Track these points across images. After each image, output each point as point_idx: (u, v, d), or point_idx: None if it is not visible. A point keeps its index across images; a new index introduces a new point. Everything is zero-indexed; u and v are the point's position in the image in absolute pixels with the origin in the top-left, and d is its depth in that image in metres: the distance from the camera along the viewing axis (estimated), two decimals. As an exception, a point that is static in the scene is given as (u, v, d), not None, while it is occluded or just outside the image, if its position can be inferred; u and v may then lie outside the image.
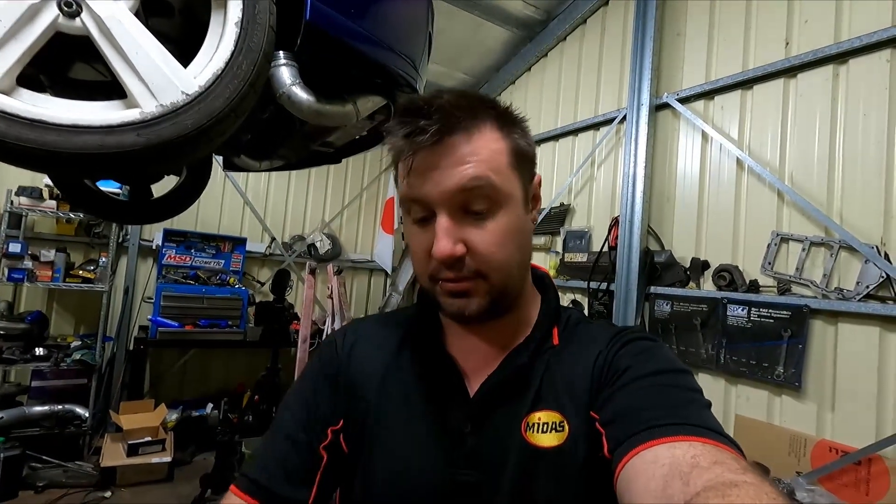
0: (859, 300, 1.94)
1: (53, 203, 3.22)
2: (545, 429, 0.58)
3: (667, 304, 2.59)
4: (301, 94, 1.14)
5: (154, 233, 3.87)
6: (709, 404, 0.53)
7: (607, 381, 0.58)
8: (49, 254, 3.22)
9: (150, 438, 3.12)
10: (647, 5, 2.84)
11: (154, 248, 3.82)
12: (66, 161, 0.74)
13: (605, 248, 2.90)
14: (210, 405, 3.75)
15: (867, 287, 1.93)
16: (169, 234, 3.79)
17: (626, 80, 2.97)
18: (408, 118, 0.55)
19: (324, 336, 3.53)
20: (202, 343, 3.66)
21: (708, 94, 2.62)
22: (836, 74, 2.15)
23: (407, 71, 1.28)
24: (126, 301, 3.71)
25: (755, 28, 2.46)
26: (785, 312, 2.12)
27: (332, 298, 3.33)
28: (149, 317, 3.50)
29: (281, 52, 1.11)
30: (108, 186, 2.67)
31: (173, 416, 3.48)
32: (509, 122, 0.60)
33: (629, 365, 0.57)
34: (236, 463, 3.05)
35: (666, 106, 2.77)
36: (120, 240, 3.68)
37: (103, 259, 3.44)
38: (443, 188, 0.55)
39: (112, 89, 0.90)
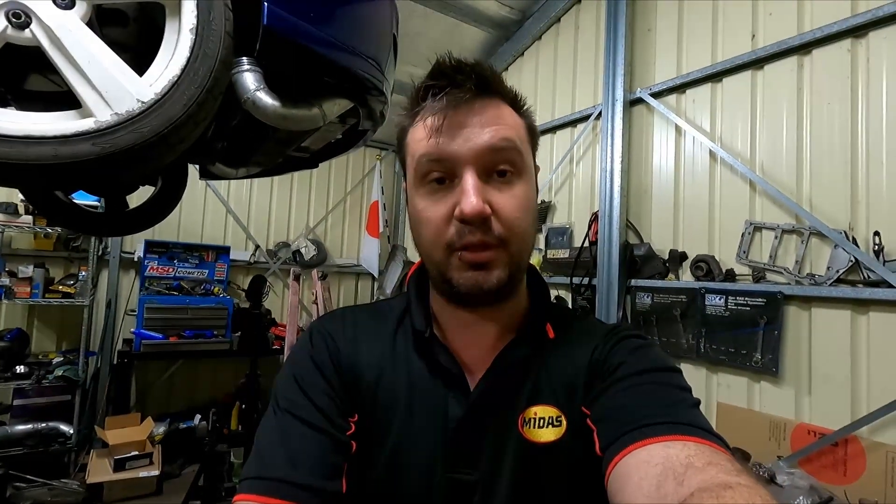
0: (830, 285, 1.98)
1: (30, 218, 3.18)
2: (542, 423, 0.58)
3: (647, 297, 2.62)
4: (266, 98, 1.15)
5: (135, 244, 3.83)
6: (697, 403, 0.53)
7: (600, 375, 0.58)
8: (27, 270, 3.18)
9: (137, 453, 3.08)
10: (617, 2, 2.87)
11: (136, 259, 3.78)
12: (20, 172, 0.74)
13: (586, 244, 2.93)
14: (198, 416, 3.72)
15: (837, 272, 1.97)
16: (151, 245, 3.75)
17: (601, 76, 3.00)
18: (441, 78, 0.56)
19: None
20: (188, 354, 3.62)
21: (679, 88, 2.66)
22: (800, 65, 2.19)
23: (372, 73, 1.29)
24: (109, 315, 3.66)
25: (722, 22, 2.51)
26: (760, 300, 2.15)
27: (317, 304, 3.32)
28: (132, 330, 3.46)
29: (245, 58, 1.11)
30: (85, 199, 2.65)
31: (161, 429, 3.44)
32: (521, 105, 0.63)
33: (622, 361, 0.57)
34: (225, 474, 3.03)
35: (640, 101, 2.81)
36: (100, 253, 3.64)
37: (83, 273, 3.40)
38: (472, 145, 0.55)
39: (70, 100, 0.90)
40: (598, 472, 0.51)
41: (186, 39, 0.86)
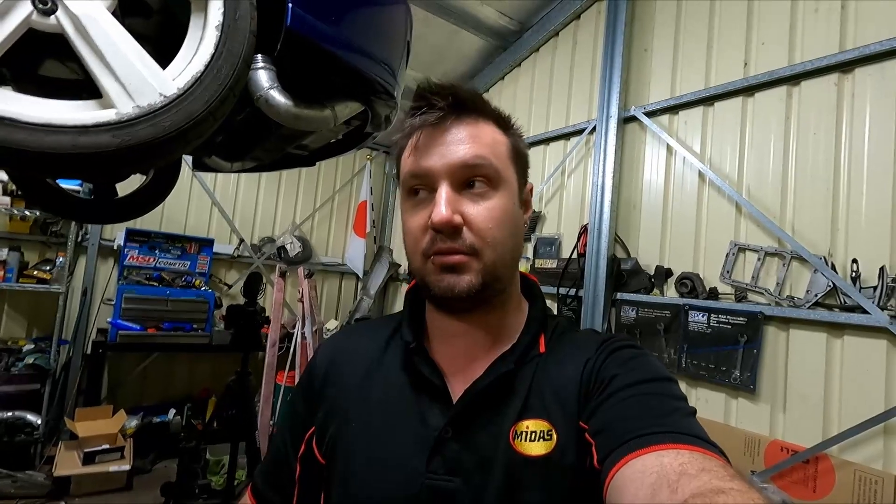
0: (808, 308, 2.06)
1: (7, 199, 3.07)
2: (533, 437, 0.58)
3: (632, 310, 2.68)
4: (279, 97, 1.14)
5: (116, 232, 3.73)
6: (693, 411, 0.54)
7: (595, 389, 0.58)
8: (1, 252, 3.07)
9: (107, 446, 3.00)
10: (616, 21, 2.94)
11: (115, 248, 3.68)
12: (36, 161, 0.73)
13: (575, 255, 2.98)
14: (172, 411, 3.64)
15: (816, 295, 2.05)
16: (132, 234, 3.66)
17: (596, 92, 3.06)
18: (421, 100, 0.61)
19: (293, 341, 3.48)
20: (165, 347, 3.54)
21: (673, 109, 2.73)
22: (789, 95, 2.28)
23: (385, 77, 1.29)
24: (84, 303, 3.56)
25: (717, 48, 2.59)
26: (741, 319, 2.23)
27: (302, 302, 3.29)
28: (108, 319, 3.37)
29: (259, 56, 1.11)
30: (68, 184, 2.58)
31: (133, 423, 3.35)
32: (508, 125, 0.67)
33: (616, 373, 0.57)
34: (200, 471, 2.97)
35: (633, 119, 2.88)
36: (79, 239, 3.53)
37: (60, 259, 3.30)
38: (446, 161, 0.60)
39: (82, 88, 0.88)
40: (592, 486, 0.52)
41: (212, 36, 0.85)
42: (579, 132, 3.21)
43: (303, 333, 3.29)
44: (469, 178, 0.60)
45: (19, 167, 0.73)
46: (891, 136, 1.96)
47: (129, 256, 3.64)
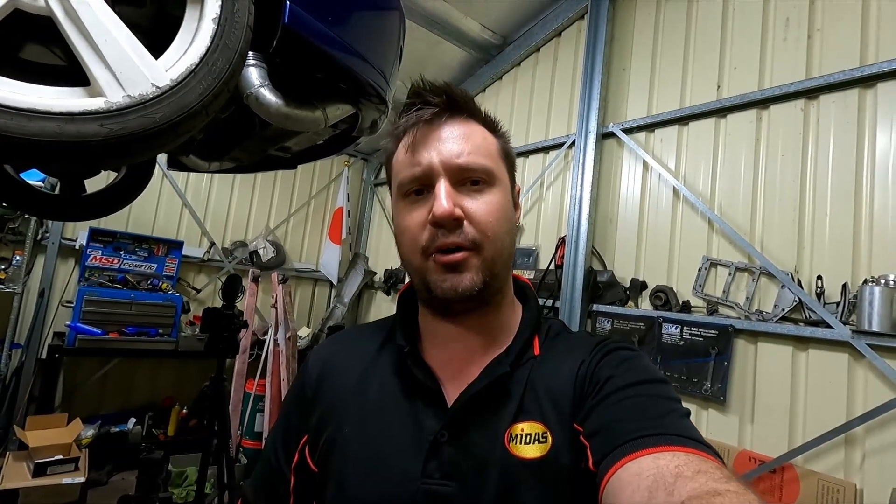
0: (776, 322, 2.14)
1: (-40, 193, 2.90)
2: (528, 440, 0.58)
3: (608, 322, 2.72)
4: (269, 96, 1.12)
5: (78, 231, 3.57)
6: (688, 413, 0.54)
7: (589, 391, 0.58)
8: (-49, 249, 2.89)
9: (60, 457, 2.83)
10: (596, 41, 3.02)
11: (77, 247, 3.52)
12: (18, 147, 0.69)
13: (552, 267, 3.01)
14: (132, 420, 3.48)
15: (783, 310, 2.13)
16: (96, 234, 3.51)
17: (576, 107, 3.13)
18: (416, 97, 0.63)
19: (265, 348, 3.39)
20: (127, 352, 3.39)
21: (649, 127, 2.82)
22: (759, 118, 2.39)
23: (378, 82, 1.29)
24: (40, 304, 3.37)
25: (692, 70, 2.69)
26: (713, 332, 2.29)
27: (276, 308, 3.21)
28: (67, 322, 3.20)
29: (251, 53, 1.09)
30: (30, 178, 2.45)
31: (89, 432, 3.19)
32: (496, 128, 0.69)
33: (610, 375, 0.58)
34: (161, 483, 2.83)
35: (611, 135, 2.95)
36: (38, 237, 3.36)
37: (17, 257, 3.13)
38: (444, 157, 0.60)
39: (63, 75, 0.84)
40: (586, 489, 0.52)
41: (208, 28, 0.83)
42: (558, 146, 3.27)
43: (275, 340, 3.21)
44: (466, 175, 0.61)
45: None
46: (852, 161, 2.07)
47: (91, 257, 3.49)
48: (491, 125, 0.67)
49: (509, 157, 0.68)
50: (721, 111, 2.52)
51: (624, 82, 3.01)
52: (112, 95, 0.74)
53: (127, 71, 0.75)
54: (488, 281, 0.60)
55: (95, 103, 0.73)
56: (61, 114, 0.70)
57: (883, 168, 1.99)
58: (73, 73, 0.79)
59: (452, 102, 0.62)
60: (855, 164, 2.06)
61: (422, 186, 0.61)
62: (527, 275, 3.17)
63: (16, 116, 0.67)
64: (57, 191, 2.20)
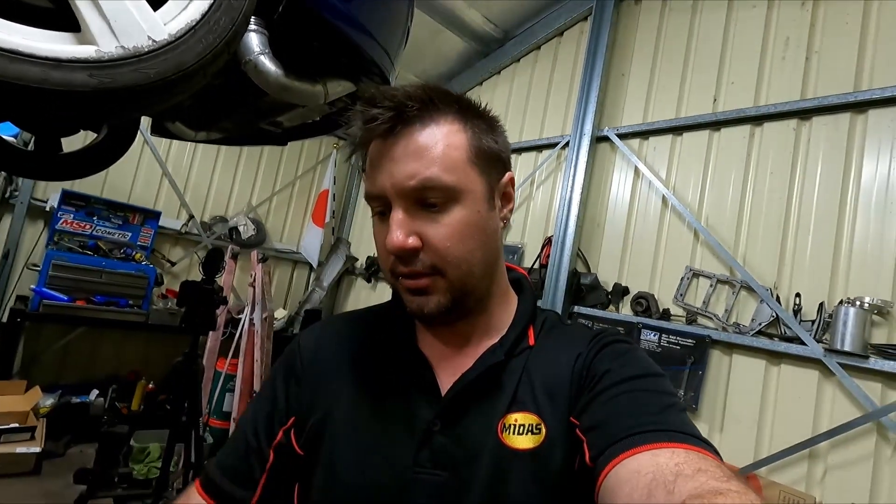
0: (752, 335, 2.19)
1: (-76, 142, 2.73)
2: (521, 430, 0.57)
3: (588, 325, 2.74)
4: (269, 64, 1.08)
5: (50, 192, 3.41)
6: (685, 408, 0.54)
7: (586, 385, 0.58)
8: (-90, 200, 2.73)
9: (16, 425, 2.73)
10: (598, 44, 3.02)
11: (48, 209, 3.37)
12: (-5, 90, 0.63)
13: (537, 266, 3.01)
14: (95, 392, 3.36)
15: (760, 324, 2.18)
16: (68, 197, 3.36)
17: (572, 109, 3.13)
18: (365, 107, 0.56)
19: (239, 327, 3.31)
20: (94, 322, 3.26)
21: (643, 134, 2.83)
22: (752, 134, 2.42)
23: (382, 60, 1.25)
24: (4, 266, 3.23)
25: (689, 81, 2.71)
26: (690, 341, 2.33)
27: (253, 286, 3.14)
28: (32, 287, 3.07)
29: (253, 17, 1.04)
30: (3, 132, 2.32)
31: (48, 402, 3.06)
32: (473, 117, 0.60)
33: (608, 369, 0.57)
34: (122, 458, 2.75)
35: (606, 139, 2.96)
36: (6, 195, 3.20)
37: (-18, 215, 2.97)
38: (395, 180, 0.55)
39: (53, 21, 0.78)
40: (579, 482, 0.52)
41: (213, -17, 0.78)
42: (552, 146, 3.27)
43: (251, 319, 3.14)
44: (422, 198, 0.56)
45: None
46: (838, 184, 2.11)
47: (62, 220, 3.34)
48: (463, 114, 0.58)
49: (484, 153, 0.59)
50: (715, 124, 2.54)
51: (622, 87, 3.01)
52: (104, 45, 0.69)
53: (122, 20, 0.70)
54: (459, 298, 0.59)
55: (86, 51, 0.68)
56: (47, 59, 0.65)
57: (867, 193, 2.04)
58: (61, 20, 0.73)
59: (405, 111, 0.55)
60: (840, 188, 2.11)
61: (383, 208, 0.58)
62: (511, 272, 3.17)
63: (-3, 57, 0.62)
64: (31, 148, 2.10)
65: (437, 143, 0.56)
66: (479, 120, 0.60)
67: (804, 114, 2.25)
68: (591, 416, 0.54)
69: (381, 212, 0.59)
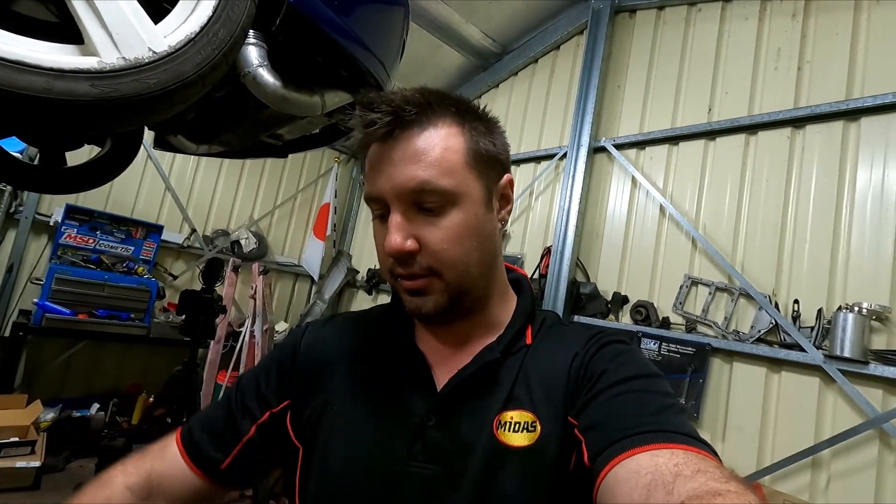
0: (752, 342, 2.18)
1: (-68, 158, 2.78)
2: (517, 428, 0.57)
3: (588, 334, 2.73)
4: (268, 76, 1.11)
5: (54, 207, 3.45)
6: (684, 408, 0.54)
7: (584, 384, 0.58)
8: (-83, 216, 2.76)
9: (17, 439, 2.72)
10: (594, 56, 3.07)
11: (52, 224, 3.40)
12: (1, 100, 0.66)
13: (536, 276, 3.02)
14: (96, 406, 3.36)
15: (759, 331, 2.17)
16: (72, 211, 3.40)
17: (569, 120, 3.17)
18: (364, 112, 0.57)
19: (240, 340, 3.32)
20: (96, 335, 3.27)
21: (640, 144, 2.86)
22: (747, 143, 2.44)
23: (377, 71, 1.28)
24: (8, 280, 3.25)
25: (684, 92, 2.75)
26: (690, 349, 2.32)
27: (254, 299, 3.15)
28: (34, 300, 3.09)
29: (251, 31, 1.07)
30: (9, 148, 2.36)
31: (49, 416, 3.06)
32: (471, 119, 0.60)
33: (606, 368, 0.57)
34: (121, 471, 2.73)
35: (603, 149, 2.99)
36: (11, 210, 3.24)
37: (-13, 230, 3.01)
38: (394, 183, 0.56)
39: (58, 33, 0.81)
40: (575, 481, 0.52)
41: (212, -2, 0.81)
42: (550, 157, 3.30)
43: (252, 332, 3.14)
44: (420, 198, 0.57)
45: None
46: (833, 190, 2.13)
47: (66, 235, 3.38)
48: (461, 116, 0.59)
49: (482, 156, 0.59)
50: (711, 133, 2.57)
51: (618, 99, 3.05)
52: (106, 56, 0.72)
53: (124, 33, 0.73)
54: (456, 299, 0.60)
55: (88, 62, 0.70)
56: (51, 69, 0.68)
57: (862, 199, 2.05)
58: (65, 32, 0.76)
59: (403, 115, 0.56)
60: (836, 194, 2.12)
61: (383, 210, 0.59)
62: (510, 282, 3.17)
63: (3, 68, 0.65)
64: (36, 162, 2.13)
65: (435, 147, 0.56)
66: (477, 122, 0.61)
67: (798, 122, 2.28)
68: (589, 416, 0.54)
69: (382, 214, 0.60)
